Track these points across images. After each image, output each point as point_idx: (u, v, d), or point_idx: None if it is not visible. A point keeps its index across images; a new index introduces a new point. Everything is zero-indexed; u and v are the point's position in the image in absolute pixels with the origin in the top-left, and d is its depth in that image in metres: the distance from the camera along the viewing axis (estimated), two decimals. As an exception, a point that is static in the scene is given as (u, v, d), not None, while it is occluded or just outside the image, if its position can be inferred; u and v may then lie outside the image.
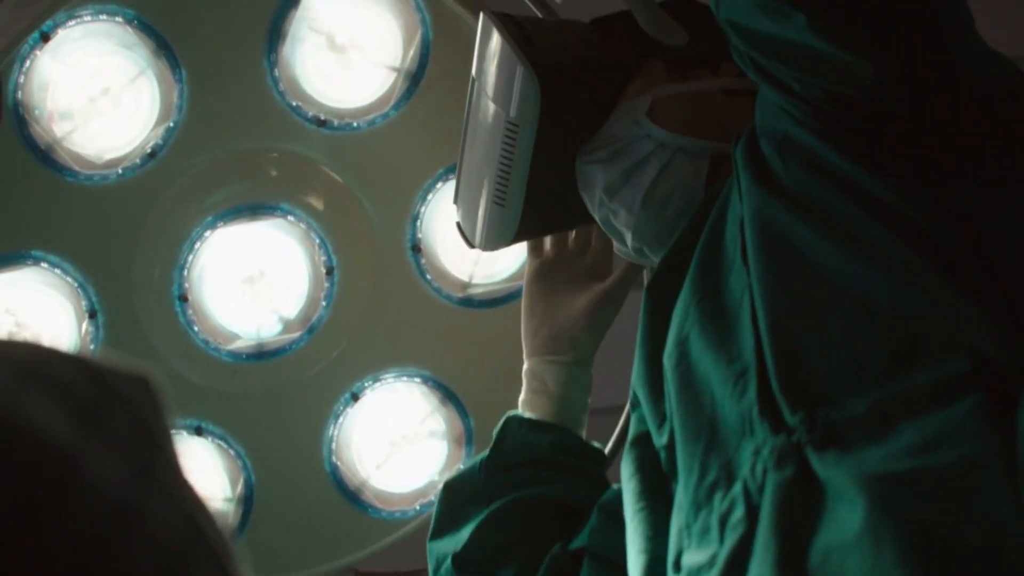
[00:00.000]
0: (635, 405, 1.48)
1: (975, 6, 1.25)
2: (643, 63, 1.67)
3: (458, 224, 1.87)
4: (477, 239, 1.83)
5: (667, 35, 1.64)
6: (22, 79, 1.86)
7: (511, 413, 1.81)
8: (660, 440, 1.37)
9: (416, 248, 2.10)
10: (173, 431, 0.72)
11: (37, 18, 1.83)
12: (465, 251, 2.10)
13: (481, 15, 1.73)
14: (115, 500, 0.63)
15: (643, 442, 1.42)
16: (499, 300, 2.14)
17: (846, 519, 1.07)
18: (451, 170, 2.06)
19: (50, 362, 0.68)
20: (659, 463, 1.37)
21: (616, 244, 1.71)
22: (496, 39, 1.67)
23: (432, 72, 2.02)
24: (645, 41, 1.68)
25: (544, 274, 1.89)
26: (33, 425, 0.63)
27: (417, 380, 2.14)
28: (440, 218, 2.09)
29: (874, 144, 1.27)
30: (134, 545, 0.62)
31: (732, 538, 1.17)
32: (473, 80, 1.76)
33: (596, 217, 1.67)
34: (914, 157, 1.26)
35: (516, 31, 1.67)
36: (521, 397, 1.84)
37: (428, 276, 2.11)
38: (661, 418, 1.37)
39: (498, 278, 2.13)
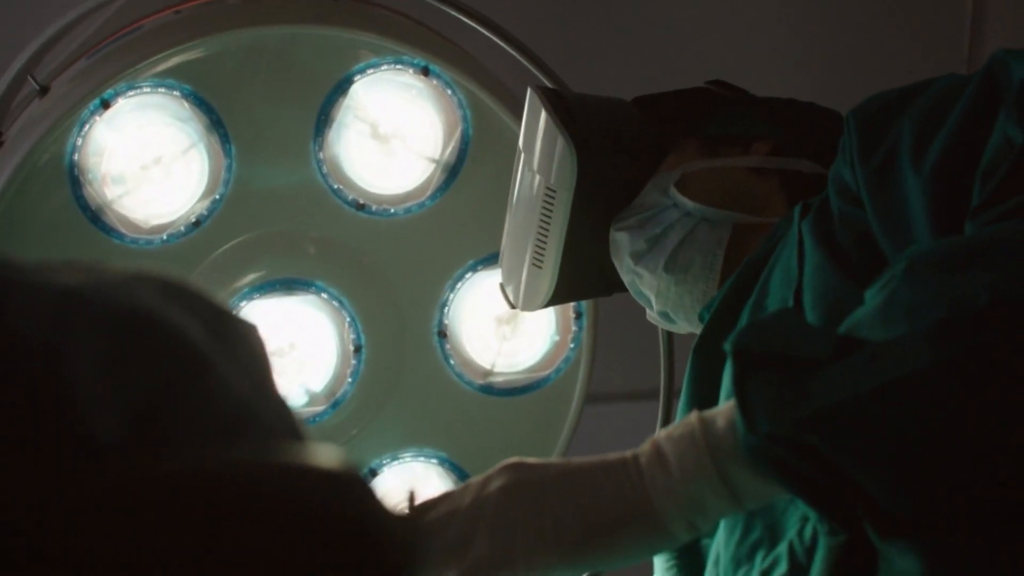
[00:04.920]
0: None
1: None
2: (679, 140, 1.76)
3: (501, 285, 1.97)
4: (516, 299, 1.93)
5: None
6: (79, 142, 1.95)
7: None
8: None
9: (442, 333, 2.18)
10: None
11: (99, 85, 1.93)
12: (488, 340, 2.18)
13: (528, 90, 1.85)
14: (238, 402, 0.70)
15: None
16: (519, 390, 2.21)
17: (903, 571, 1.09)
18: (481, 262, 2.15)
19: (184, 287, 0.75)
20: None
21: (647, 311, 1.79)
22: (539, 112, 1.79)
23: (469, 166, 2.11)
24: (682, 120, 1.78)
25: None
26: (174, 324, 0.70)
27: (434, 461, 2.21)
28: (467, 306, 2.17)
29: None
30: (250, 445, 0.68)
31: None
32: (519, 151, 1.87)
33: (625, 281, 1.77)
34: None
35: (559, 104, 1.78)
36: None
37: (452, 361, 2.18)
38: None
39: (519, 368, 2.21)
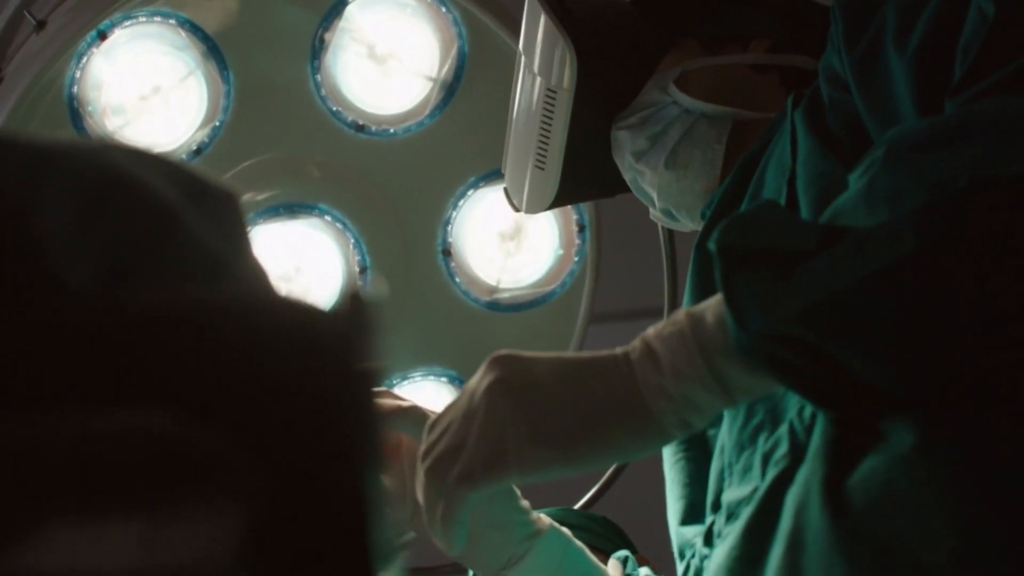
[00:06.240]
0: None
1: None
2: (678, 40, 1.78)
3: (505, 189, 1.98)
4: (520, 202, 1.93)
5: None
6: (78, 75, 1.95)
7: None
8: None
9: (446, 252, 2.19)
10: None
11: (95, 17, 1.94)
12: (492, 257, 2.20)
13: None
14: (210, 258, 0.71)
15: None
16: (524, 305, 2.23)
17: (897, 443, 1.10)
18: (483, 178, 2.16)
19: (156, 156, 0.76)
20: None
21: (651, 209, 1.80)
22: (539, 13, 1.80)
23: (467, 83, 2.12)
24: (681, 20, 1.79)
25: None
26: (144, 182, 0.71)
27: (444, 380, 2.23)
28: (470, 223, 2.19)
29: None
30: (225, 301, 0.69)
31: (774, 472, 1.21)
32: (520, 54, 1.88)
33: (627, 180, 1.77)
34: None
35: (558, 6, 1.79)
36: None
37: (457, 279, 2.20)
38: None
39: (524, 283, 2.22)
